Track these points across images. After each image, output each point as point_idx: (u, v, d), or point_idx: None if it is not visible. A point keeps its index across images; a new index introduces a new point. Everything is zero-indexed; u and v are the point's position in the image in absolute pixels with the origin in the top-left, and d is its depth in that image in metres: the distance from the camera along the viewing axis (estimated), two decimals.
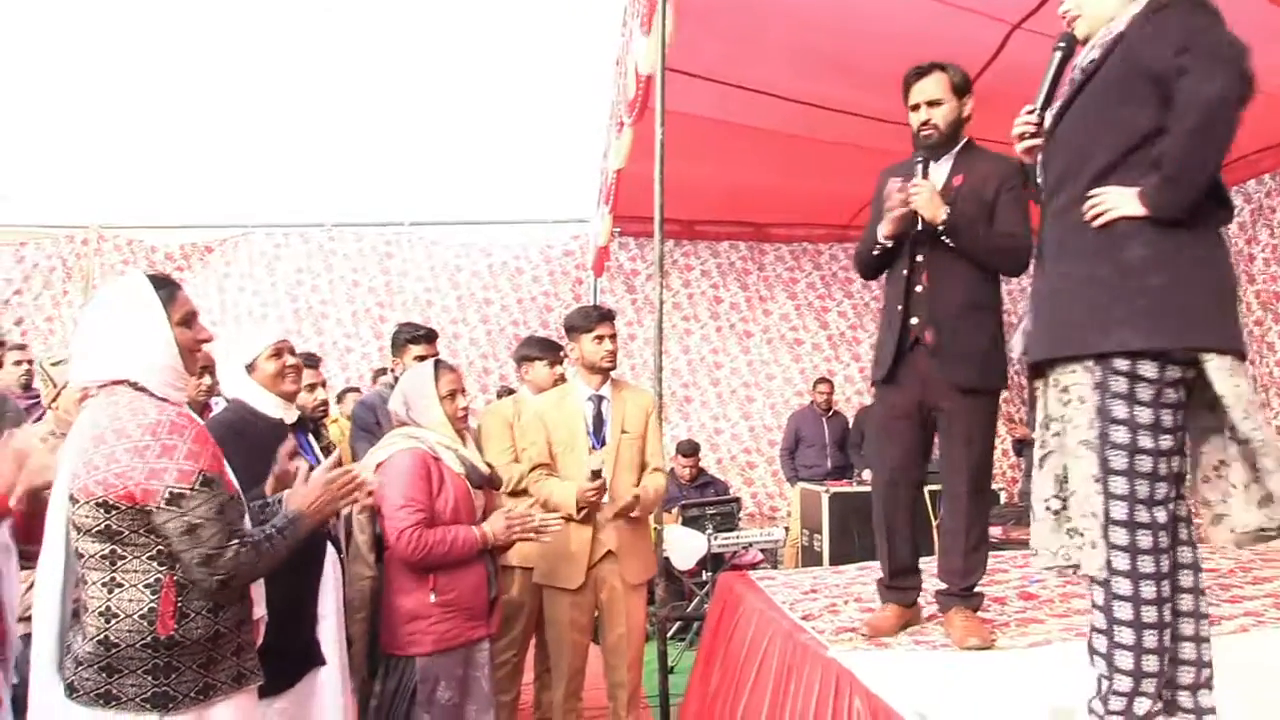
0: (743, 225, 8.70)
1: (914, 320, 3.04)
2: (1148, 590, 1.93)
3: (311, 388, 3.57)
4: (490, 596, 3.01)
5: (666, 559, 5.12)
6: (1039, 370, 2.17)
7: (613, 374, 3.67)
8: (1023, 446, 6.99)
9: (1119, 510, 1.95)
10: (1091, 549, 1.99)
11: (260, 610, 2.16)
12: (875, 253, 3.09)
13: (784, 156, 6.55)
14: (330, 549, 2.83)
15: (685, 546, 5.66)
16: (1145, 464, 1.93)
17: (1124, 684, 1.96)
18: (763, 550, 6.41)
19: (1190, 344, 1.91)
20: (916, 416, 3.07)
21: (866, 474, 7.09)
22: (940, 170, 3.04)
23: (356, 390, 7.20)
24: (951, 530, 3.05)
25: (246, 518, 2.09)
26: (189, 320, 2.05)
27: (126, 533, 1.86)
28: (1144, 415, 1.93)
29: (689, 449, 7.15)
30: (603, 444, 3.51)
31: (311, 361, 4.45)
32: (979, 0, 4.67)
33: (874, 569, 4.29)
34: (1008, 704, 2.36)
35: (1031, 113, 2.26)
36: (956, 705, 2.33)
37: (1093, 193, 2.01)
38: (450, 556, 2.86)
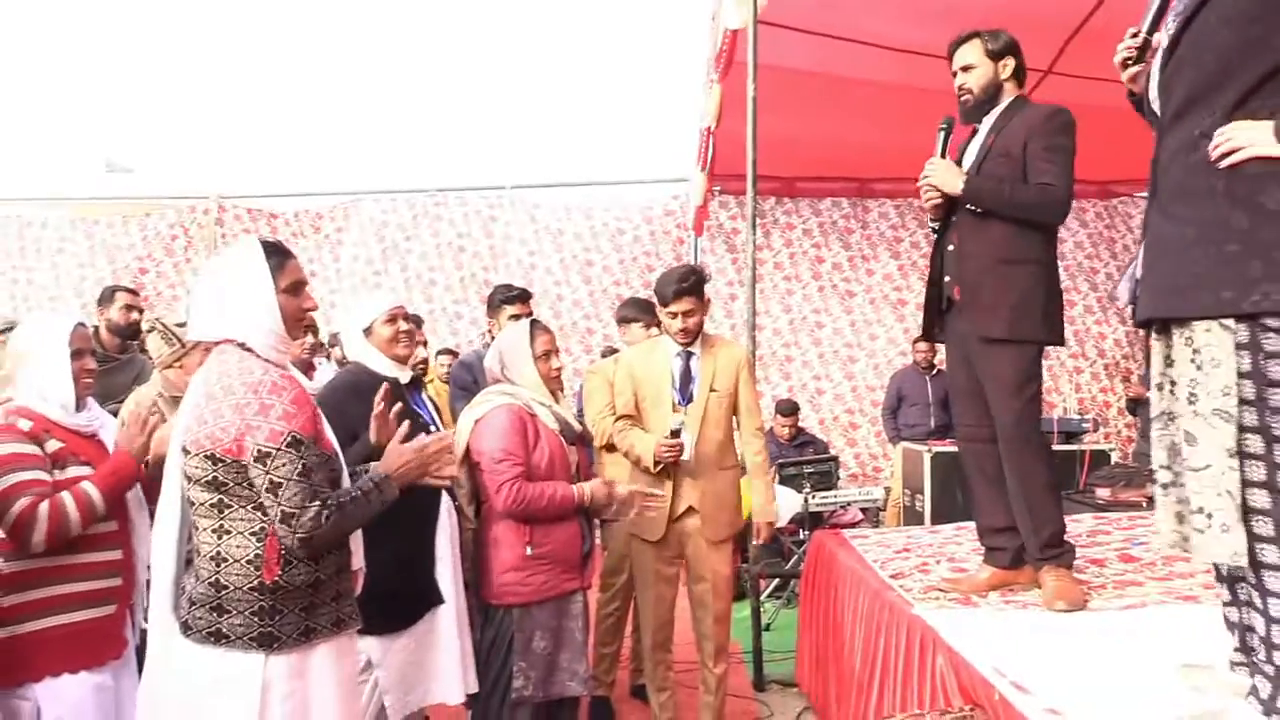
0: (845, 181, 8.55)
1: (946, 279, 3.11)
2: None
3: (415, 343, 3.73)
4: (585, 550, 3.10)
5: None
6: (1163, 324, 1.96)
7: (711, 331, 3.68)
8: (1137, 405, 6.73)
9: None
10: (1222, 533, 1.80)
11: (359, 562, 2.27)
12: (934, 231, 3.20)
13: (884, 107, 6.40)
14: (445, 496, 2.96)
15: (779, 503, 5.67)
16: None
17: None
18: (862, 509, 6.37)
19: None
20: (970, 375, 3.09)
21: None
22: (981, 132, 3.11)
23: (452, 352, 7.41)
24: (1011, 491, 3.02)
25: (345, 477, 2.20)
26: (296, 288, 2.14)
27: (232, 484, 1.98)
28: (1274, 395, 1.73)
29: (788, 408, 7.14)
30: (689, 401, 3.53)
31: (416, 322, 4.64)
32: None
33: (970, 529, 4.26)
34: (1089, 664, 2.33)
35: (1135, 35, 2.04)
36: (1037, 663, 2.30)
37: (1220, 131, 1.80)
38: (548, 511, 2.95)
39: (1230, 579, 2.01)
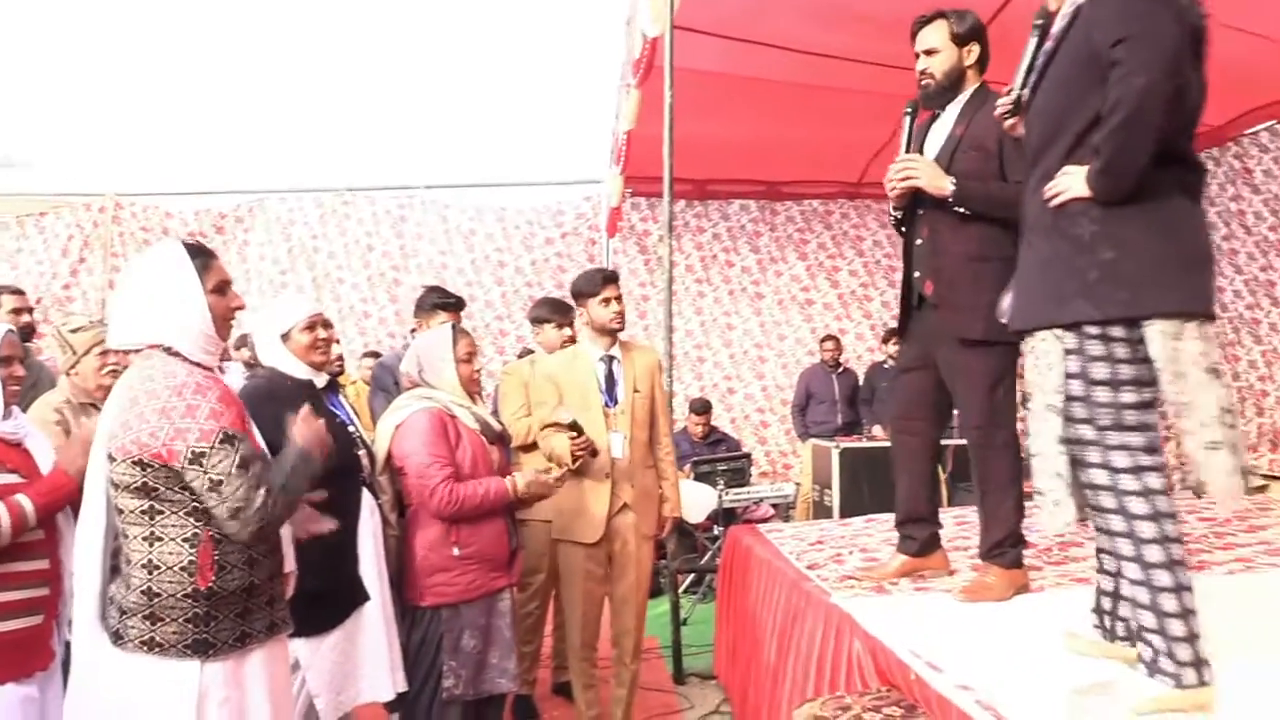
0: (754, 184, 8.74)
1: (916, 274, 3.10)
2: (1170, 528, 2.00)
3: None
4: (511, 548, 3.14)
5: None
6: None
7: (622, 335, 3.78)
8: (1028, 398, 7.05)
9: (1121, 459, 2.02)
10: (1054, 507, 2.13)
11: (290, 565, 2.28)
12: (895, 223, 3.19)
13: (794, 107, 6.58)
14: (367, 494, 2.96)
15: (695, 500, 5.79)
16: (1132, 417, 2.02)
17: (1177, 628, 1.99)
18: (774, 505, 6.53)
19: (1134, 313, 2.01)
20: (925, 370, 3.11)
21: (876, 430, 7.22)
22: (946, 120, 3.06)
23: (376, 355, 7.34)
24: (975, 488, 3.08)
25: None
26: (222, 288, 2.14)
27: (162, 489, 1.97)
28: (1124, 372, 2.02)
29: (701, 407, 7.27)
30: (615, 403, 3.64)
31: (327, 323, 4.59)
32: None
33: (879, 521, 4.44)
34: (996, 644, 2.47)
35: (1010, 92, 2.37)
36: (949, 644, 2.44)
37: (1053, 180, 2.13)
38: (483, 508, 2.99)
39: (1099, 550, 2.31)
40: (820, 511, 6.64)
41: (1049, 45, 2.24)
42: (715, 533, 5.97)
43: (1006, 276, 2.90)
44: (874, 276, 8.96)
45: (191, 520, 1.98)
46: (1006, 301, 2.36)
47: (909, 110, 3.13)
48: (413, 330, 6.62)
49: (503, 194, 9.05)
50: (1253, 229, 6.47)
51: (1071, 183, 2.09)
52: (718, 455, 6.53)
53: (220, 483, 1.95)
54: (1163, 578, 2.00)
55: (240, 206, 8.71)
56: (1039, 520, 2.22)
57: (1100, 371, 2.04)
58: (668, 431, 3.83)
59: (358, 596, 2.86)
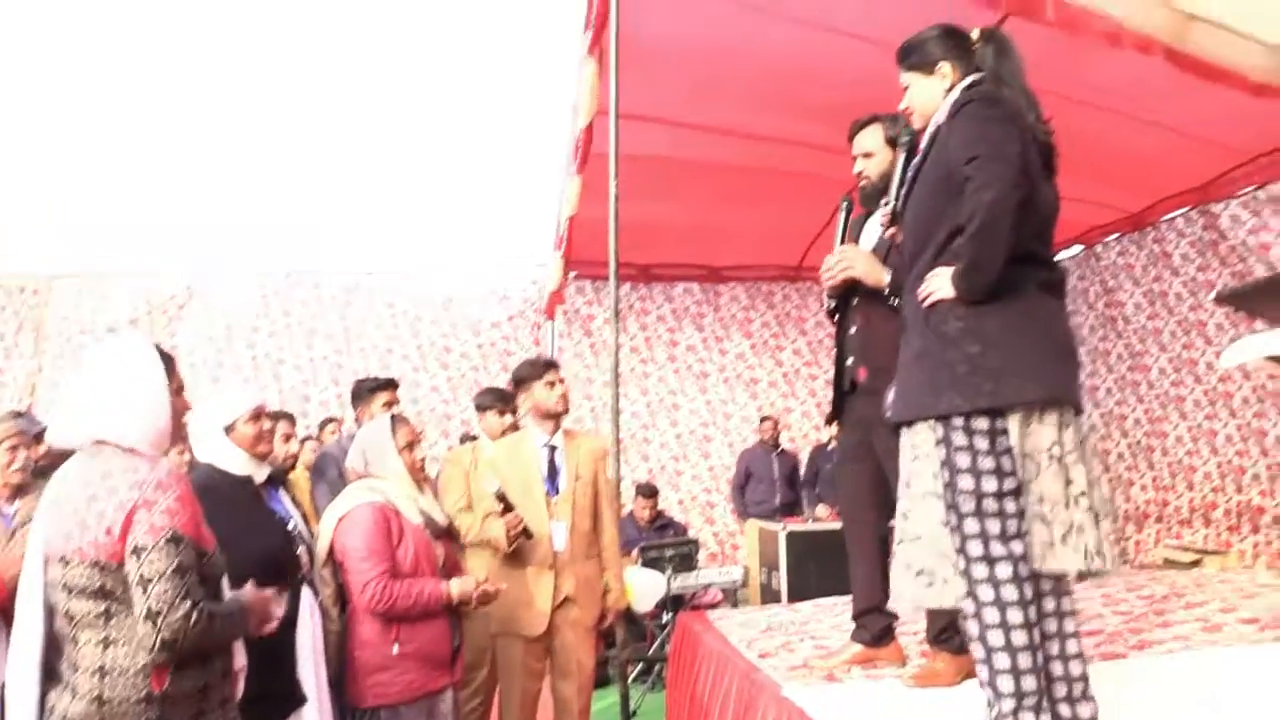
0: (698, 268, 8.86)
1: (849, 361, 3.16)
2: (1015, 616, 2.11)
3: (286, 438, 3.65)
4: (453, 646, 3.07)
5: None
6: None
7: (567, 420, 3.77)
8: None
9: (975, 548, 2.14)
10: (944, 585, 2.21)
11: (240, 660, 2.21)
12: (830, 311, 3.27)
13: (736, 190, 6.71)
14: (308, 594, 2.89)
15: (644, 588, 5.73)
16: (992, 505, 2.15)
17: (1008, 705, 2.12)
18: (723, 590, 6.48)
19: (997, 403, 2.15)
20: (865, 459, 3.13)
21: (821, 510, 7.25)
22: (879, 216, 3.10)
23: (317, 439, 7.21)
24: None
25: (224, 582, 2.15)
26: (180, 390, 2.16)
27: (119, 591, 1.92)
28: (985, 462, 2.16)
29: (648, 491, 7.23)
30: (558, 491, 3.61)
31: (287, 417, 4.54)
32: None
33: (827, 606, 4.43)
34: None
35: (888, 204, 2.60)
36: None
37: (927, 278, 2.29)
38: (415, 609, 2.93)
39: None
40: (768, 594, 6.61)
41: (916, 160, 2.45)
42: (664, 620, 5.89)
43: None
44: (817, 355, 9.08)
45: None
46: (890, 397, 2.44)
47: (844, 206, 3.23)
48: (333, 419, 6.58)
49: (448, 279, 9.04)
50: (1174, 309, 6.70)
51: (939, 284, 2.25)
52: (665, 540, 6.48)
53: (150, 580, 1.89)
54: (1001, 661, 2.12)
55: (179, 287, 8.57)
56: (913, 599, 2.27)
57: (963, 460, 2.17)
58: (613, 520, 3.79)
59: (295, 698, 2.77)
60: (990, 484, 2.14)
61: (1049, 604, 2.22)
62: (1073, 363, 2.31)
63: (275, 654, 2.70)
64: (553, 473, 3.64)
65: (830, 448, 7.56)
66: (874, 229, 3.15)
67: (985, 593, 2.13)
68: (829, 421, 7.34)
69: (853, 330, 3.14)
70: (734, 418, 8.92)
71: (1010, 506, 2.16)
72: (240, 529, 2.72)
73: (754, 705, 3.08)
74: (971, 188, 2.17)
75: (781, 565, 6.35)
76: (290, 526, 2.94)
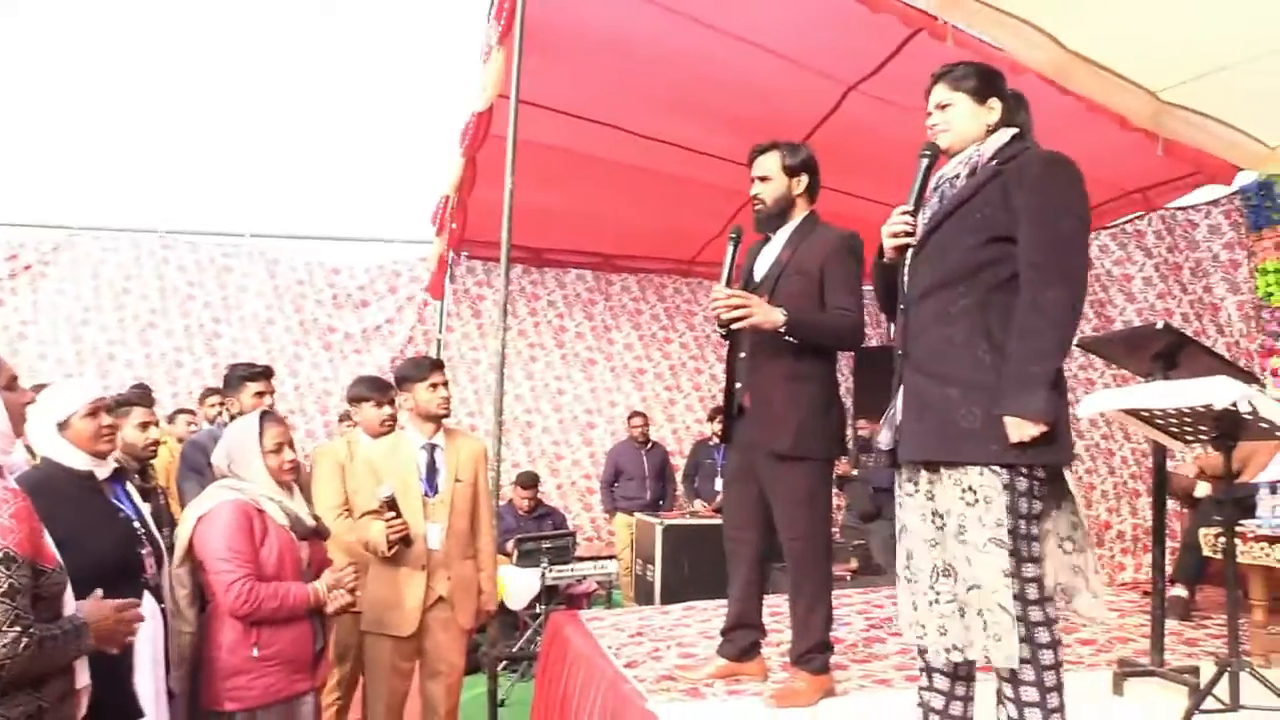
0: (591, 255, 8.83)
1: (738, 385, 3.20)
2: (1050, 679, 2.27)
3: (144, 426, 3.45)
4: (316, 649, 3.01)
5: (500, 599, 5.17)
6: (931, 464, 2.40)
7: (454, 401, 3.72)
8: (845, 482, 7.37)
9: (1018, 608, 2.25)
10: (996, 642, 2.24)
11: (83, 679, 2.10)
12: (723, 335, 3.26)
13: (632, 189, 6.73)
14: (150, 599, 2.77)
15: (518, 587, 5.73)
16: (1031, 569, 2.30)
17: None
18: (598, 581, 6.53)
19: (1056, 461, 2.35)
20: (749, 481, 3.18)
21: (699, 504, 7.37)
22: (775, 244, 3.20)
23: (189, 412, 6.92)
24: (789, 598, 3.17)
25: (69, 591, 2.05)
26: (13, 384, 2.04)
27: None
28: (1036, 508, 2.32)
29: (528, 480, 7.18)
30: (436, 492, 3.56)
31: (145, 400, 4.28)
32: (820, 60, 4.98)
33: (699, 610, 4.51)
34: None
35: (905, 213, 2.52)
36: None
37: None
38: (280, 613, 2.85)
39: (953, 675, 2.47)
40: (642, 586, 6.69)
41: (946, 191, 2.46)
42: (537, 610, 5.90)
43: (819, 396, 3.07)
44: (704, 349, 9.20)
45: None
46: (886, 431, 2.51)
47: (734, 236, 3.23)
48: (216, 390, 6.18)
49: (333, 248, 8.77)
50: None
51: (1020, 430, 2.26)
52: (543, 533, 6.48)
53: None
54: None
55: (45, 242, 8.09)
56: (987, 651, 2.28)
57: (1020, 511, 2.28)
58: (489, 521, 3.77)
59: (130, 711, 2.63)
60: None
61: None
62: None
63: (109, 663, 2.50)
64: (432, 474, 3.59)
65: (711, 442, 7.69)
66: (767, 259, 3.19)
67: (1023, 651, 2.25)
68: (716, 416, 7.46)
69: (742, 355, 3.18)
70: (619, 406, 8.95)
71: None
72: (78, 529, 2.55)
73: (619, 716, 3.12)
74: (1044, 275, 2.25)
75: (657, 559, 6.43)
76: (136, 526, 2.81)
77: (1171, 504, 5.33)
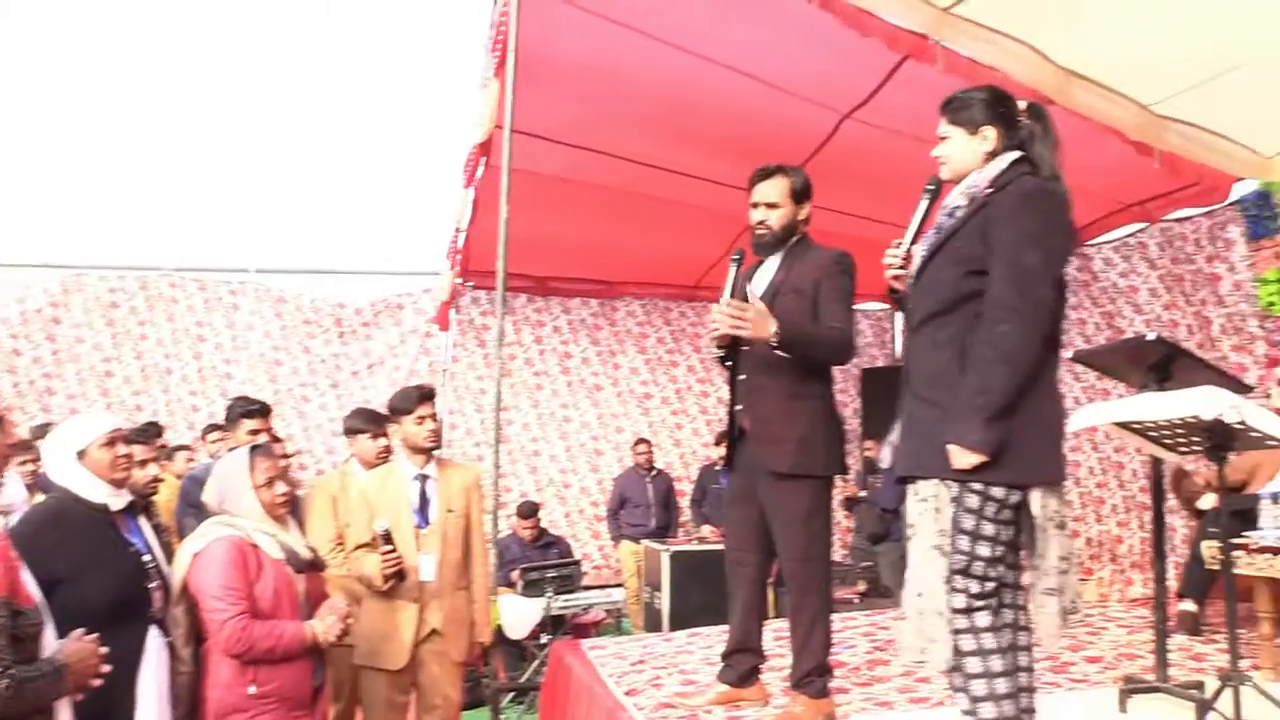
0: (594, 283, 8.87)
1: (738, 408, 3.19)
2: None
3: (143, 464, 3.47)
4: (315, 685, 2.99)
5: (500, 628, 5.15)
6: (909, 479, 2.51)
7: (458, 431, 3.73)
8: (853, 503, 7.33)
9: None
10: (932, 644, 2.34)
11: (66, 716, 2.10)
12: (717, 358, 3.27)
13: (632, 215, 6.79)
14: (157, 633, 2.78)
15: (518, 616, 5.70)
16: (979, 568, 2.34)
17: None
18: (607, 610, 6.49)
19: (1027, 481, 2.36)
20: (750, 503, 3.15)
21: (706, 530, 7.33)
22: (770, 265, 3.19)
23: (187, 448, 6.93)
24: (789, 620, 3.15)
25: (48, 630, 2.05)
26: (3, 423, 2.06)
27: None
28: (987, 529, 2.34)
29: (528, 510, 7.09)
30: (428, 523, 3.57)
31: (147, 435, 4.29)
32: (813, 90, 5.02)
33: (703, 636, 4.48)
34: None
35: (899, 246, 2.59)
36: None
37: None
38: (276, 653, 2.83)
39: None
40: (651, 614, 6.65)
41: (943, 220, 2.51)
42: (543, 641, 5.87)
43: (818, 414, 3.08)
44: (710, 373, 9.16)
45: None
46: (886, 450, 2.59)
47: (736, 258, 3.22)
48: (217, 427, 6.22)
49: (338, 282, 8.81)
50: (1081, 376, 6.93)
51: (963, 458, 2.32)
52: (548, 561, 6.45)
53: None
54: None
55: (52, 283, 8.09)
56: (930, 657, 2.37)
57: (968, 522, 2.35)
58: (483, 551, 3.76)
59: None
60: (984, 549, 2.34)
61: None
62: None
63: (115, 698, 2.55)
64: (424, 504, 3.59)
65: (718, 467, 7.66)
66: (762, 280, 3.18)
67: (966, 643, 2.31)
68: (723, 441, 7.43)
69: (742, 377, 3.17)
70: (625, 432, 8.93)
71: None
72: (90, 561, 2.65)
73: None
74: (999, 310, 2.32)
75: (665, 586, 6.39)
76: (146, 560, 2.83)
77: (1183, 517, 5.29)
